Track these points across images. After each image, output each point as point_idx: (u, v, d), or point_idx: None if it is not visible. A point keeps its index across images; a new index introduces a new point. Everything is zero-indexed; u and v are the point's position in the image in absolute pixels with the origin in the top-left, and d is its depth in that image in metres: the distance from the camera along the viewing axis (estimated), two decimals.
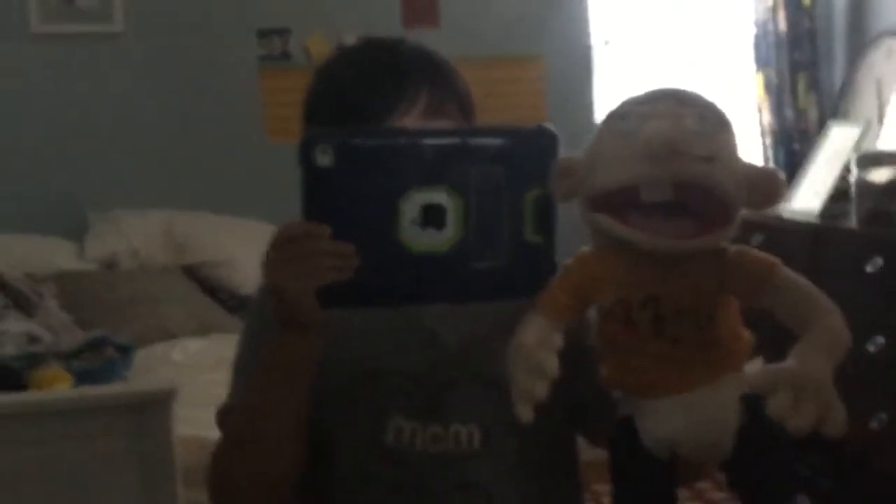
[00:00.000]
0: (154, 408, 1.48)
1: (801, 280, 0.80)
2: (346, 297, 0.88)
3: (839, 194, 2.78)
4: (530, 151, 0.85)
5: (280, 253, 0.88)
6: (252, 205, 3.28)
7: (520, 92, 3.43)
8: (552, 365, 0.81)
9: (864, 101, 3.17)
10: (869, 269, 2.37)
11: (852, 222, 2.61)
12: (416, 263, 0.86)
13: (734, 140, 0.80)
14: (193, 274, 3.15)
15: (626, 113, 0.80)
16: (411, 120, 1.01)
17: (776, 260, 0.81)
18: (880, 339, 2.35)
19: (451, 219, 0.85)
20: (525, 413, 0.81)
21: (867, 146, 2.89)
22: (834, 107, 3.35)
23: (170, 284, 3.03)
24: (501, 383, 0.85)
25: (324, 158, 0.84)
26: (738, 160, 0.79)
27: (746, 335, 0.84)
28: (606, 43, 3.61)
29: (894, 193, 2.54)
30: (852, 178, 2.62)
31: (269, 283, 0.90)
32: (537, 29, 3.47)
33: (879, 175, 2.56)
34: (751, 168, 0.80)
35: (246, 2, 3.43)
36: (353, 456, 1.05)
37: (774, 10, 3.44)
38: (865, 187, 2.56)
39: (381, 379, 1.05)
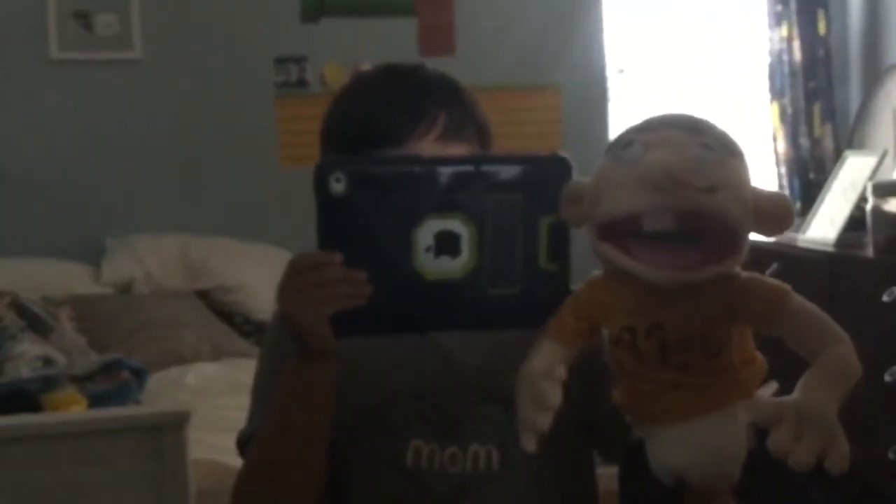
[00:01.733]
0: (168, 430, 1.48)
1: (813, 308, 0.79)
2: (360, 326, 0.88)
3: (855, 223, 2.77)
4: (545, 179, 0.85)
5: (293, 282, 0.88)
6: (266, 230, 3.29)
7: (536, 120, 3.44)
8: (555, 396, 0.82)
9: (880, 130, 3.17)
10: (885, 298, 2.36)
11: (868, 251, 2.60)
12: (430, 291, 0.86)
13: (742, 166, 0.79)
14: (208, 299, 3.15)
15: (631, 140, 0.80)
16: (428, 143, 1.01)
17: (787, 287, 0.80)
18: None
19: (466, 246, 0.85)
20: (529, 443, 0.83)
21: (883, 175, 2.88)
22: (849, 136, 3.35)
23: (184, 309, 3.03)
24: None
25: (337, 186, 0.84)
26: (745, 187, 0.78)
27: (759, 360, 0.83)
28: (621, 72, 3.63)
29: None
30: (868, 206, 2.61)
31: (283, 312, 0.90)
32: (553, 58, 3.49)
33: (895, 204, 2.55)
34: (759, 193, 0.79)
35: (264, 30, 3.46)
36: (373, 478, 1.05)
37: (789, 39, 3.45)
38: (881, 216, 2.56)
39: (399, 402, 1.05)
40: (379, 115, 1.03)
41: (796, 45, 3.44)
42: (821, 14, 3.43)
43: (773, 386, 0.82)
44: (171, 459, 1.47)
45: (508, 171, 0.87)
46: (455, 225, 0.85)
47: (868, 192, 2.63)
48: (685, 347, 0.79)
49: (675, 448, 0.80)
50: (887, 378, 2.33)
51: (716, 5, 3.64)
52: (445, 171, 0.86)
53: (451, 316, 0.88)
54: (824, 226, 2.93)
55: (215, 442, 1.82)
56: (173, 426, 1.47)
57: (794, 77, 3.45)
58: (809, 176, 3.41)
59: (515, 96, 3.41)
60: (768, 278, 0.81)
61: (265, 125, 3.46)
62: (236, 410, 1.13)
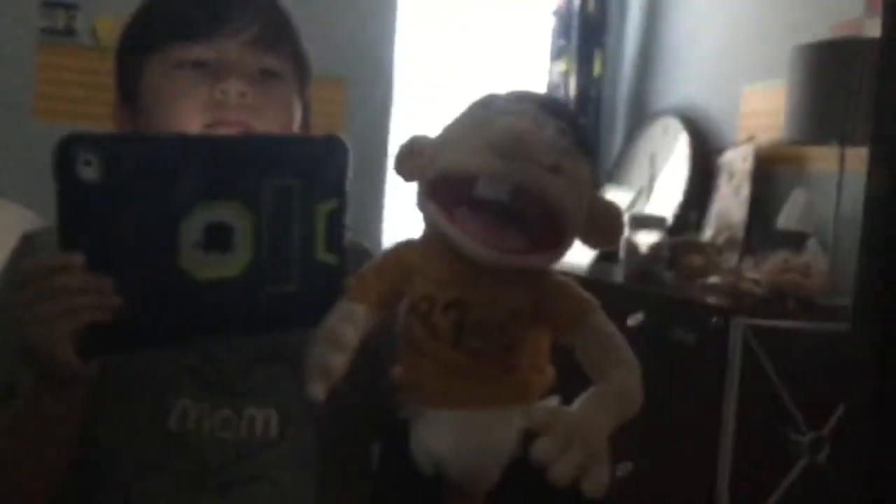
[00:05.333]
0: None
1: (612, 329, 0.77)
2: (114, 342, 0.74)
3: (607, 254, 2.92)
4: (321, 162, 0.77)
5: (22, 293, 0.72)
6: (12, 187, 3.00)
7: (319, 112, 3.37)
8: (350, 337, 0.73)
9: (637, 170, 3.38)
10: (630, 322, 2.49)
11: (618, 279, 2.74)
12: (199, 294, 0.74)
13: (588, 167, 0.76)
14: None
15: (489, 103, 0.76)
16: (239, 44, 0.93)
17: (595, 301, 0.77)
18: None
19: (240, 239, 0.75)
20: (317, 389, 0.72)
21: (637, 211, 3.07)
22: (609, 173, 3.55)
23: None
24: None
25: (87, 170, 0.69)
26: (586, 185, 0.75)
27: (550, 371, 0.80)
28: (406, 73, 3.63)
29: (658, 256, 2.70)
30: (622, 238, 2.75)
31: (14, 332, 0.74)
32: (340, 50, 3.44)
33: (647, 237, 2.71)
34: (597, 199, 0.76)
35: None
36: (130, 441, 0.91)
37: (567, 74, 3.62)
38: (633, 248, 2.71)
39: (168, 355, 0.93)
40: (187, 8, 0.93)
41: (572, 81, 3.61)
42: (598, 55, 3.63)
43: (554, 400, 0.78)
44: None
45: (283, 153, 0.77)
46: (227, 215, 0.74)
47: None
48: (482, 333, 0.74)
49: (442, 434, 0.76)
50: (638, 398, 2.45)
51: (506, 27, 3.74)
52: (215, 152, 0.74)
53: (223, 321, 0.77)
54: (578, 254, 3.06)
55: None
56: None
57: None
58: None
59: None
60: (579, 288, 0.78)
61: (23, 72, 3.17)
62: None
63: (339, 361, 0.73)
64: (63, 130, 0.70)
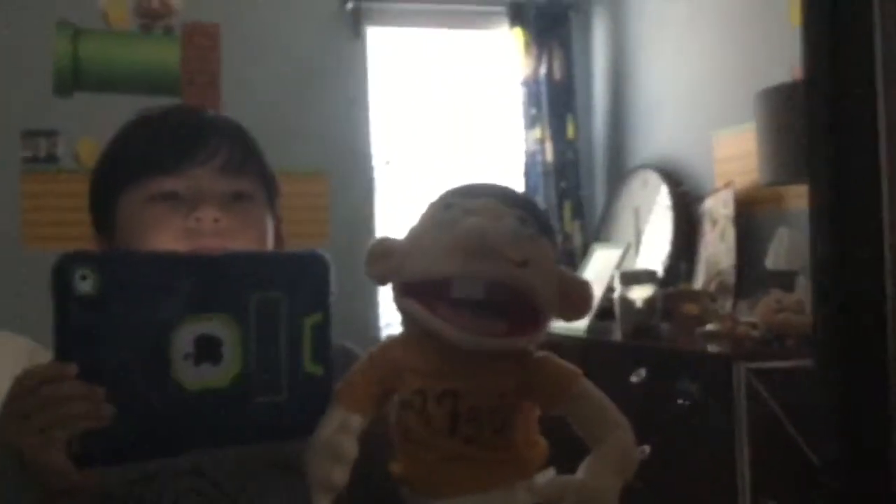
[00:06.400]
0: None
1: (599, 394, 0.79)
2: (109, 452, 0.75)
3: (603, 313, 2.94)
4: (304, 277, 0.80)
5: (17, 405, 0.73)
6: (3, 315, 3.02)
7: (303, 206, 3.42)
8: (350, 448, 0.76)
9: (624, 226, 3.42)
10: (633, 379, 2.50)
11: (616, 336, 2.76)
12: (191, 405, 0.76)
13: (552, 246, 0.80)
14: None
15: (450, 204, 0.79)
16: (209, 171, 0.96)
17: (578, 371, 0.80)
18: (646, 447, 2.45)
19: (229, 351, 0.77)
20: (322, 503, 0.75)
21: (627, 266, 3.09)
22: (596, 231, 3.59)
23: None
24: (300, 471, 0.78)
25: (83, 285, 0.73)
26: (553, 266, 0.79)
27: (542, 443, 0.81)
28: (388, 163, 3.71)
29: (653, 309, 2.72)
30: (616, 295, 2.77)
31: (7, 443, 0.74)
32: (322, 146, 3.51)
33: (640, 292, 2.73)
34: (564, 276, 0.79)
35: (11, 101, 3.25)
36: None
37: (542, 141, 3.68)
38: (627, 304, 2.73)
39: (167, 476, 0.92)
40: (160, 142, 0.97)
41: (548, 146, 3.67)
42: (570, 119, 3.70)
43: (550, 472, 0.80)
44: None
45: (267, 269, 0.80)
46: (216, 327, 0.76)
47: (615, 280, 2.80)
48: (474, 418, 0.77)
49: None
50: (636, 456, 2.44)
51: (478, 103, 3.82)
52: (203, 268, 0.78)
53: (214, 432, 0.78)
54: None
55: None
56: None
57: (546, 176, 3.66)
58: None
59: (283, 182, 3.37)
60: (560, 360, 0.80)
61: (8, 202, 3.22)
62: None
63: (341, 474, 0.76)
64: (52, 254, 0.73)
